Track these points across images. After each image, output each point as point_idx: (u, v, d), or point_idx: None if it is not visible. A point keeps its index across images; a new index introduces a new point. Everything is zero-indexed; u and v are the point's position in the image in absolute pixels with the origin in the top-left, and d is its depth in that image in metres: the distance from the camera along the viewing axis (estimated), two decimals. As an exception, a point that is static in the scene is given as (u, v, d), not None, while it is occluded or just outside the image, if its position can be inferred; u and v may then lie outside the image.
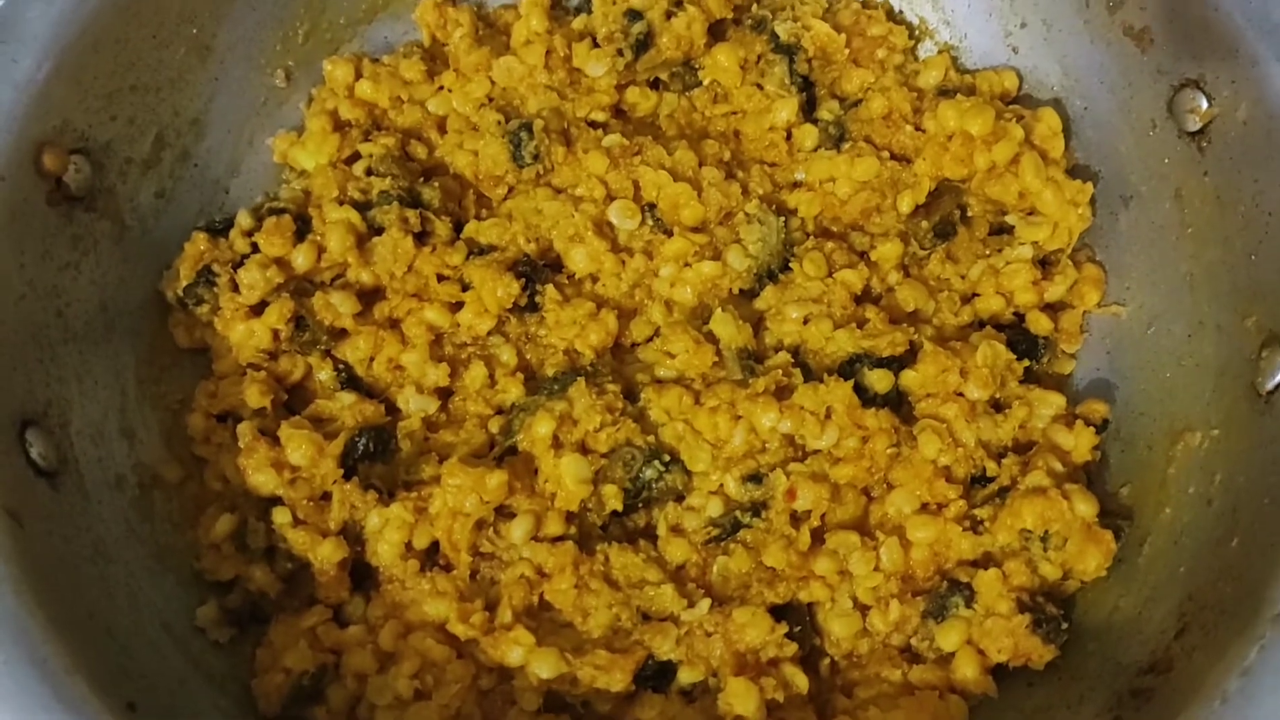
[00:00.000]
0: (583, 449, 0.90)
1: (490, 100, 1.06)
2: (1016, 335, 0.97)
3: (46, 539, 0.78)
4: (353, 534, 0.88)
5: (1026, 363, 0.95)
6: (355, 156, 1.03)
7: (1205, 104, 0.90)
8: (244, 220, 0.98)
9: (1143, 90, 0.96)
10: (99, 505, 0.85)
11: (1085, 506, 0.86)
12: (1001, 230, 1.01)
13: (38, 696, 0.68)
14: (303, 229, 0.97)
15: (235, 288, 0.94)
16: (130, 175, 0.95)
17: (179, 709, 0.79)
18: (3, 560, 0.71)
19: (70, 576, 0.78)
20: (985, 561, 0.88)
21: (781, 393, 0.92)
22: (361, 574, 0.89)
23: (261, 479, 0.89)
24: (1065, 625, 0.84)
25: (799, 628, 0.86)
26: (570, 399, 0.91)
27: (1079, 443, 0.91)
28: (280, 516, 0.88)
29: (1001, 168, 0.97)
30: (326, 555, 0.87)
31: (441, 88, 1.07)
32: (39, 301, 0.86)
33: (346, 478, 0.89)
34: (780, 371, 0.92)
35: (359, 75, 1.06)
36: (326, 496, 0.89)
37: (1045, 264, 1.00)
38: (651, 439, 0.91)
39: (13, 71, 0.84)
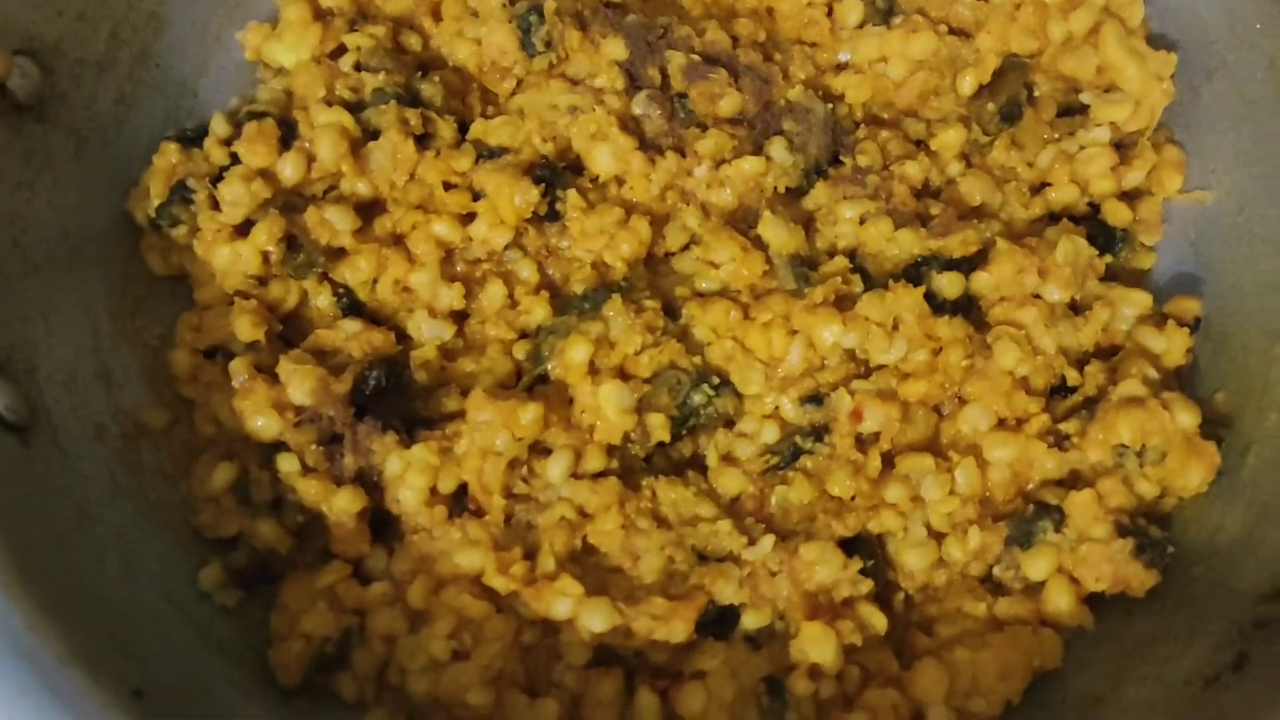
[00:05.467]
0: (622, 374, 0.81)
1: (491, -21, 0.93)
2: (1092, 228, 0.88)
3: (23, 504, 0.68)
4: (369, 480, 0.79)
5: (1108, 258, 0.86)
6: (340, 50, 0.90)
7: (1307, -40, 0.80)
8: (219, 126, 0.86)
9: (1230, -55, 0.86)
10: (78, 460, 0.75)
11: (1187, 416, 0.78)
12: (1069, 111, 0.91)
13: (30, 693, 0.59)
14: (288, 135, 0.85)
15: (215, 205, 0.83)
16: (84, 79, 0.83)
17: (189, 688, 0.70)
18: (-24, 538, 0.61)
19: (55, 546, 0.69)
20: (1073, 481, 0.80)
21: (842, 302, 0.82)
22: (381, 523, 0.80)
23: (262, 423, 0.79)
24: (1171, 549, 0.77)
25: (871, 562, 0.78)
26: (605, 318, 0.81)
27: (1171, 345, 0.83)
28: (286, 464, 0.78)
29: (1079, 39, 0.87)
30: (343, 506, 0.77)
31: (434, -34, 0.94)
32: (-10, 230, 0.74)
33: (358, 417, 0.79)
34: (839, 278, 0.83)
35: (338, -46, 0.93)
36: (336, 439, 0.79)
37: (1120, 147, 0.90)
38: (698, 360, 0.82)
39: (-62, -42, 0.71)
